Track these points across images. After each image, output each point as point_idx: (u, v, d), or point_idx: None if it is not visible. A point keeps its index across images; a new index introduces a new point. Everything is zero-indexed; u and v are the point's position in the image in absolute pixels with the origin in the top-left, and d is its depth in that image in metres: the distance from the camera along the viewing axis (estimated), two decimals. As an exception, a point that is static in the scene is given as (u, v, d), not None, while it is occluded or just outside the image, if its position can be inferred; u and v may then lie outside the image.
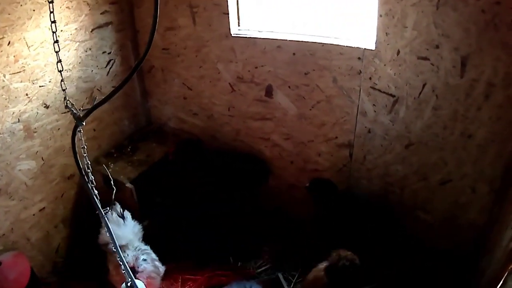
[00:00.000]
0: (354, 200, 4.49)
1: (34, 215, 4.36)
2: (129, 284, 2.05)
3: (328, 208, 4.30)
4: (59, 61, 1.78)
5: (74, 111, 1.71)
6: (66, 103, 1.75)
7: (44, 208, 4.44)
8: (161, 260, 4.12)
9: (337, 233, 4.22)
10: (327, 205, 4.31)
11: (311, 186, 4.37)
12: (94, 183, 1.84)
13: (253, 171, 4.98)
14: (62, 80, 1.81)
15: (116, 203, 4.25)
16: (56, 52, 1.77)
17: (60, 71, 1.78)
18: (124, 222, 4.19)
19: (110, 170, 4.37)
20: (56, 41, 1.78)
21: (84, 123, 1.72)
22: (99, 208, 1.85)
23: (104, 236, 4.13)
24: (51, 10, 1.80)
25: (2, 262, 3.77)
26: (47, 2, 3.68)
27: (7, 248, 4.08)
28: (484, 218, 3.92)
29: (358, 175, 4.45)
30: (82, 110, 1.72)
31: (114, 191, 1.97)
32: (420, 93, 3.68)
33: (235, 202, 4.81)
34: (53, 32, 1.77)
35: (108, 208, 1.97)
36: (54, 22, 1.79)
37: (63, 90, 1.80)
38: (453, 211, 4.07)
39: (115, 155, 4.97)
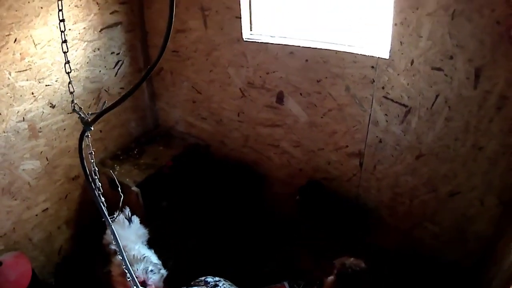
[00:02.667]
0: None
1: (37, 215, 4.33)
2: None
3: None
4: (67, 62, 1.73)
5: (82, 115, 1.66)
6: (74, 107, 1.70)
7: (47, 208, 4.42)
8: (164, 264, 4.08)
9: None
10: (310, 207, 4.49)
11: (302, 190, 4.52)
12: (101, 191, 1.79)
13: (245, 185, 5.00)
14: (70, 83, 1.75)
15: (126, 207, 4.24)
16: (64, 52, 1.71)
17: (68, 73, 1.73)
18: (129, 224, 4.15)
19: (116, 172, 4.34)
20: (65, 41, 1.72)
21: (92, 128, 1.67)
22: (106, 216, 1.80)
23: (108, 236, 4.10)
24: (60, 8, 1.75)
25: (3, 262, 3.75)
26: (55, -1, 3.66)
27: (8, 248, 4.06)
28: (491, 230, 3.90)
29: (367, 185, 4.41)
30: (91, 114, 1.67)
31: (122, 198, 1.91)
32: (433, 104, 3.64)
33: (235, 210, 4.83)
34: (62, 31, 1.72)
35: (114, 216, 1.92)
36: (62, 20, 1.73)
37: (71, 93, 1.75)
38: (461, 223, 4.05)
39: (121, 157, 4.95)
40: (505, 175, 3.62)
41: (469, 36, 3.22)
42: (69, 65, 1.75)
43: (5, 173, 3.92)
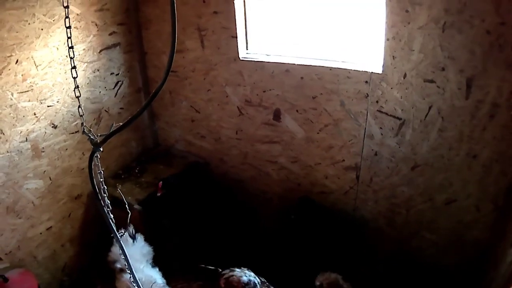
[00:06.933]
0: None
1: (41, 233, 4.37)
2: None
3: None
4: (77, 87, 1.80)
5: (92, 137, 1.73)
6: (84, 129, 1.78)
7: (51, 227, 4.46)
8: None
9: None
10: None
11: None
12: (110, 208, 1.86)
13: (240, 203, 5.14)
14: (79, 107, 1.83)
15: (131, 224, 4.23)
16: (74, 78, 1.79)
17: (77, 97, 1.80)
18: (133, 242, 4.18)
19: (118, 191, 4.38)
20: (74, 67, 1.80)
21: (101, 149, 1.74)
22: (115, 232, 1.87)
23: (113, 254, 4.13)
24: (69, 35, 1.82)
25: (9, 278, 3.77)
26: (54, 21, 3.72)
27: (13, 266, 4.09)
28: (488, 235, 3.93)
29: (364, 197, 4.45)
30: (100, 136, 1.75)
31: (129, 215, 1.98)
32: (426, 116, 3.68)
33: (232, 229, 4.91)
34: (71, 58, 1.79)
35: (123, 231, 1.99)
36: (71, 48, 1.81)
37: (81, 115, 1.83)
38: (457, 230, 4.07)
39: (122, 176, 4.99)
40: (499, 181, 3.65)
41: (460, 47, 3.28)
42: (79, 90, 1.82)
43: (9, 192, 3.96)
